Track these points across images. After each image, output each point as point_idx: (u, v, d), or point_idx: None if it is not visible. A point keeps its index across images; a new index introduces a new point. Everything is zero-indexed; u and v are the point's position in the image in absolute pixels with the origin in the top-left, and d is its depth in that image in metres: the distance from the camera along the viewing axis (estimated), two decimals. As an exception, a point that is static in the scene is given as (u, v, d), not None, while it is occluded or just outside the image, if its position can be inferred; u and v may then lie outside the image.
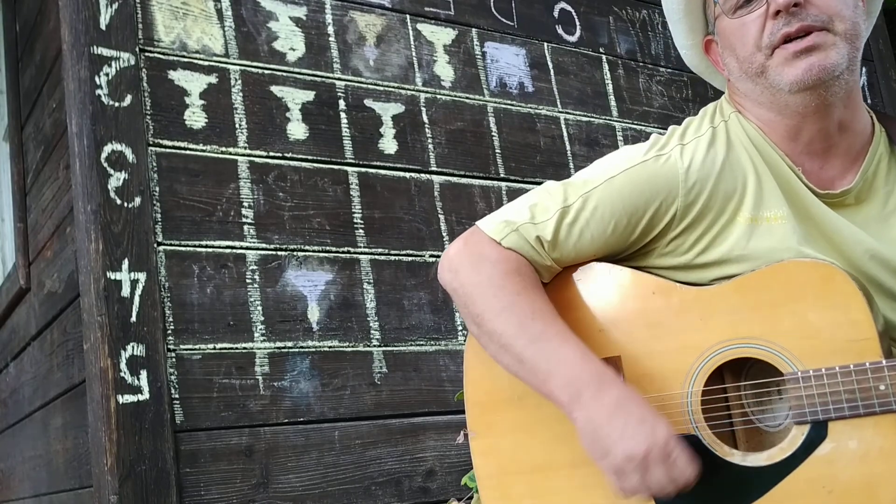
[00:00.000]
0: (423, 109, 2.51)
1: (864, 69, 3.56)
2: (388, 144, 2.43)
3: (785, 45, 1.28)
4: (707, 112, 1.44)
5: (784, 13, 1.27)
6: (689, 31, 1.47)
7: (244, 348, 2.10)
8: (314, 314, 2.21)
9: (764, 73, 1.31)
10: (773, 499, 1.20)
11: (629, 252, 1.39)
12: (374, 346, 2.27)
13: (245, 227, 2.17)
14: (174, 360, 2.02)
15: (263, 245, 2.18)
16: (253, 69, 2.28)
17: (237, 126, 2.22)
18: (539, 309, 1.30)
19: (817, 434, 1.19)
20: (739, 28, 1.33)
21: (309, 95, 2.34)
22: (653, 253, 1.37)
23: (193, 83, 2.19)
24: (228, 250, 2.14)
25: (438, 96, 2.55)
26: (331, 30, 2.43)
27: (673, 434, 1.19)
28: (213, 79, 2.22)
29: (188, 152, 2.15)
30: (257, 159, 2.23)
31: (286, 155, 2.27)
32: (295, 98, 2.32)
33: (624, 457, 1.18)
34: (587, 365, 1.25)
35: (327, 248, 2.27)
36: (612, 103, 2.88)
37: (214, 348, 2.07)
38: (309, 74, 2.36)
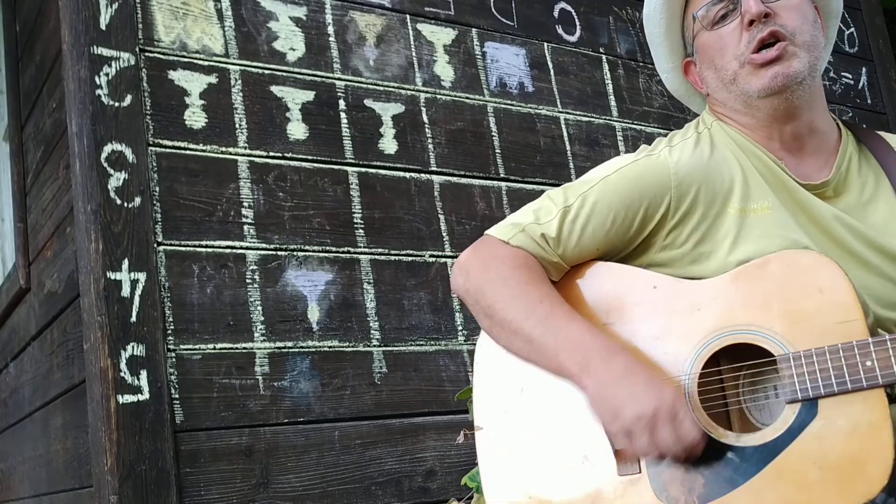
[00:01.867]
0: (423, 109, 2.51)
1: (864, 69, 3.57)
2: (388, 144, 2.43)
3: (753, 56, 1.41)
4: (690, 124, 1.56)
5: (757, 22, 1.40)
6: (669, 54, 1.58)
7: (244, 348, 2.10)
8: (314, 314, 2.21)
9: (735, 81, 1.44)
10: (765, 477, 1.24)
11: (631, 248, 1.46)
12: (374, 346, 2.27)
13: (245, 227, 2.17)
14: (174, 360, 2.02)
15: (263, 245, 2.18)
16: (253, 69, 2.28)
17: (237, 126, 2.22)
18: (546, 294, 1.39)
19: (808, 413, 1.24)
20: (717, 40, 1.45)
21: (309, 95, 2.34)
22: (653, 247, 1.45)
23: (193, 83, 2.19)
24: (228, 250, 2.14)
25: (438, 96, 2.55)
26: (331, 30, 2.43)
27: (680, 397, 1.26)
28: (213, 79, 2.22)
29: (188, 152, 2.15)
30: (257, 159, 2.23)
31: (286, 155, 2.27)
32: (295, 98, 2.32)
33: (633, 416, 1.25)
34: (594, 337, 1.33)
35: (327, 248, 2.27)
36: (612, 103, 2.88)
37: (214, 348, 2.07)
38: (309, 74, 2.36)
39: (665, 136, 1.53)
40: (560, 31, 2.85)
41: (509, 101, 2.67)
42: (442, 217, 2.46)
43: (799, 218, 1.41)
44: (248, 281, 2.14)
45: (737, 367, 1.34)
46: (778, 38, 1.40)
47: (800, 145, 1.46)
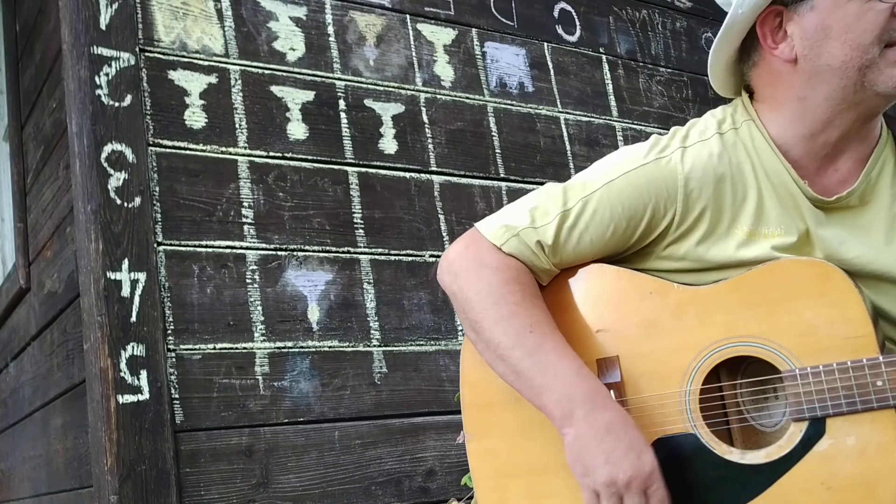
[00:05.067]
0: (423, 109, 2.51)
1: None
2: (388, 144, 2.43)
3: None
4: (716, 116, 1.40)
5: None
6: None
7: (244, 348, 2.10)
8: (314, 314, 2.21)
9: (870, 67, 1.25)
10: (771, 496, 1.21)
11: (628, 253, 1.39)
12: (374, 346, 2.27)
13: (245, 227, 2.17)
14: (174, 360, 2.02)
15: (263, 245, 2.18)
16: (253, 69, 2.28)
17: (237, 126, 2.22)
18: (537, 321, 1.31)
19: (815, 431, 1.20)
20: (866, 14, 1.24)
21: (309, 95, 2.34)
22: (651, 255, 1.38)
23: (193, 83, 2.19)
24: (228, 250, 2.14)
25: (438, 96, 2.55)
26: (331, 30, 2.43)
27: (657, 468, 1.21)
28: (213, 79, 2.22)
29: (188, 152, 2.15)
30: (257, 159, 2.23)
31: (286, 155, 2.27)
32: (295, 98, 2.32)
33: (605, 481, 1.21)
34: (582, 382, 1.26)
35: (327, 248, 2.27)
36: (612, 103, 2.88)
37: (214, 348, 2.07)
38: (309, 74, 2.36)
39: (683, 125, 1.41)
40: (560, 31, 2.85)
41: (509, 101, 2.67)
42: (442, 217, 2.46)
43: (805, 250, 1.31)
44: (248, 281, 2.14)
45: (740, 383, 1.30)
46: None
47: (843, 148, 1.34)
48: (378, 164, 2.40)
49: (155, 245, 2.05)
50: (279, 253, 2.20)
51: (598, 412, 1.23)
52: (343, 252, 2.29)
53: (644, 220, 1.34)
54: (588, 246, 1.35)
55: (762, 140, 1.35)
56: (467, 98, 2.60)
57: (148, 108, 2.12)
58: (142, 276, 2.00)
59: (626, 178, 1.34)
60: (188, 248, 2.09)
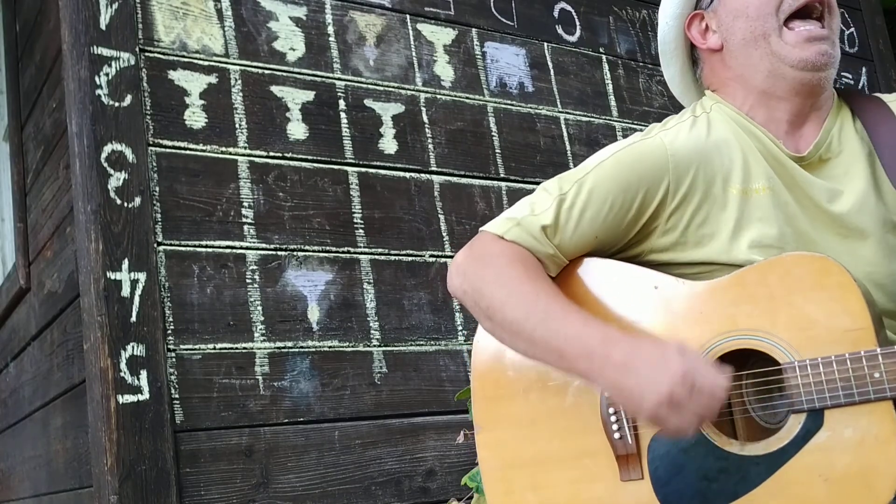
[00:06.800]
0: (423, 109, 2.51)
1: (864, 69, 3.57)
2: (388, 144, 2.43)
3: (801, 26, 1.39)
4: (687, 109, 1.52)
5: None
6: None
7: (244, 348, 2.10)
8: (314, 314, 2.21)
9: (771, 37, 1.40)
10: (770, 487, 1.22)
11: (631, 234, 1.42)
12: (374, 346, 2.27)
13: (245, 227, 2.17)
14: (174, 360, 2.02)
15: (263, 245, 2.18)
16: (253, 69, 2.28)
17: (237, 126, 2.22)
18: (542, 289, 1.34)
19: (814, 423, 1.21)
20: None
21: (309, 95, 2.34)
22: (654, 233, 1.41)
23: (193, 83, 2.19)
24: (228, 250, 2.14)
25: (438, 96, 2.55)
26: (331, 30, 2.43)
27: (688, 359, 1.20)
28: (213, 79, 2.22)
29: (188, 152, 2.15)
30: (257, 159, 2.23)
31: (286, 155, 2.27)
32: (295, 98, 2.32)
33: (653, 407, 1.20)
34: (590, 331, 1.28)
35: (327, 248, 2.27)
36: (612, 103, 2.88)
37: (214, 348, 2.07)
38: (309, 74, 2.36)
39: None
40: (560, 31, 2.85)
41: (509, 101, 2.67)
42: (442, 217, 2.46)
43: (799, 197, 1.38)
44: (248, 281, 2.15)
45: (740, 374, 1.30)
46: (822, 17, 1.39)
47: (803, 121, 1.44)
48: (378, 164, 2.40)
49: (155, 245, 2.05)
50: (279, 253, 2.20)
51: (611, 352, 1.24)
52: (343, 252, 2.29)
53: (640, 194, 1.39)
54: (588, 225, 1.39)
55: (733, 113, 1.45)
56: (467, 98, 2.60)
57: (148, 108, 2.12)
58: (142, 276, 2.00)
59: (615, 157, 1.43)
60: (188, 248, 2.09)
